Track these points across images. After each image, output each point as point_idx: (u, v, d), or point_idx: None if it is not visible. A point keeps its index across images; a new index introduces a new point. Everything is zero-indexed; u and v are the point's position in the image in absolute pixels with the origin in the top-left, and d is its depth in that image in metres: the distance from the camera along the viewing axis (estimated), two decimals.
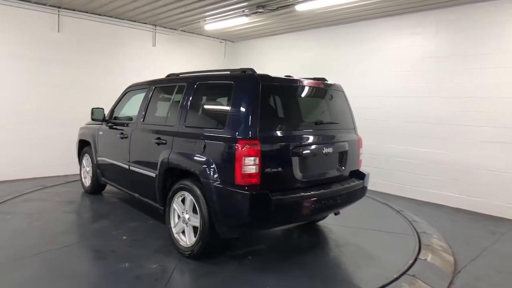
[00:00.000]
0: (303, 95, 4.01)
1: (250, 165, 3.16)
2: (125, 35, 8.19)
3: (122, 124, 5.03)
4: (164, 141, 4.02)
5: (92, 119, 5.42)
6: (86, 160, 6.01)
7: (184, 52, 9.25)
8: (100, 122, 5.48)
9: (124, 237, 4.20)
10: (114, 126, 5.18)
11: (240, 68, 3.67)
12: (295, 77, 3.89)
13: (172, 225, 3.89)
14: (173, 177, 3.96)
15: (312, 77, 4.13)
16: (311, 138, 3.72)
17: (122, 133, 4.88)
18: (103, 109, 5.41)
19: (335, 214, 4.35)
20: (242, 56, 10.04)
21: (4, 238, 4.09)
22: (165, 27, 8.78)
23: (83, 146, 6.11)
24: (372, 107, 7.07)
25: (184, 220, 3.75)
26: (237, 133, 3.27)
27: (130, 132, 4.73)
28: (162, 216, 4.17)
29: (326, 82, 4.13)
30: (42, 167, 7.20)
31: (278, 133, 3.47)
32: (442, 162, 6.21)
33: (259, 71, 3.61)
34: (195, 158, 3.57)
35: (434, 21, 6.34)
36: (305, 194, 3.42)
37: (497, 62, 5.61)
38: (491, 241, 4.59)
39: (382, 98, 6.99)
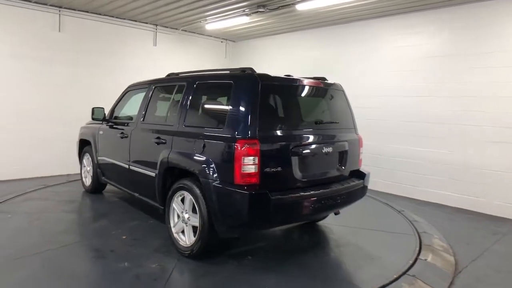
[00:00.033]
0: (302, 94, 4.00)
1: (249, 164, 3.15)
2: (126, 35, 8.19)
3: (122, 124, 5.03)
4: (163, 141, 4.02)
5: (93, 119, 5.43)
6: (87, 159, 6.02)
7: (185, 52, 9.25)
8: (101, 122, 5.48)
9: (124, 237, 4.20)
10: (114, 126, 5.18)
11: (240, 68, 3.66)
12: (295, 77, 3.88)
13: (172, 224, 3.88)
14: (172, 177, 3.95)
15: (312, 76, 4.12)
16: (310, 138, 3.71)
17: (122, 133, 4.88)
18: (103, 108, 5.41)
19: (335, 214, 4.34)
20: (243, 56, 10.03)
21: (4, 238, 4.09)
22: (166, 27, 8.78)
23: (84, 145, 6.12)
24: (372, 106, 7.05)
25: (183, 219, 3.74)
26: (236, 132, 3.26)
27: (130, 132, 4.73)
28: (162, 216, 4.17)
29: (326, 81, 4.12)
30: (44, 166, 7.22)
31: (278, 132, 3.46)
32: (443, 161, 6.19)
33: (260, 70, 3.59)
34: (195, 157, 3.56)
35: (435, 20, 6.31)
36: (305, 194, 3.41)
37: (499, 61, 5.58)
38: (492, 242, 4.57)
39: (383, 98, 6.97)
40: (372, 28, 7.19)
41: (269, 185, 3.24)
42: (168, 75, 4.70)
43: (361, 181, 4.11)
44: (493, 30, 5.65)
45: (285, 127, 3.57)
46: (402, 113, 6.71)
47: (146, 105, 4.64)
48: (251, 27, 8.45)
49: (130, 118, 5.07)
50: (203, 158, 3.46)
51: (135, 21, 8.24)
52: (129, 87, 5.38)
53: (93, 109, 5.38)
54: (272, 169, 3.29)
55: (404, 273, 3.51)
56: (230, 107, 3.44)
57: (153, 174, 4.14)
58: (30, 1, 6.83)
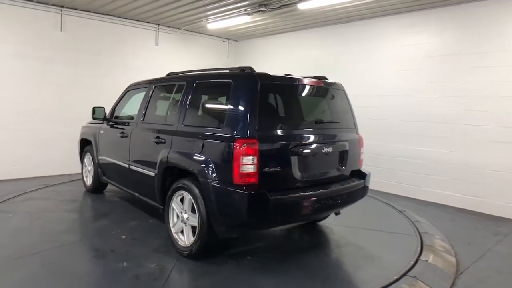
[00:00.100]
0: (302, 94, 3.98)
1: (248, 164, 3.13)
2: (127, 34, 8.19)
3: (123, 123, 5.03)
4: (163, 140, 4.01)
5: (93, 118, 5.44)
6: (88, 159, 6.03)
7: (187, 52, 9.24)
8: (101, 121, 5.48)
9: (124, 236, 4.20)
10: (114, 125, 5.18)
11: (239, 67, 3.65)
12: (295, 76, 3.86)
13: (171, 224, 3.87)
14: (172, 176, 3.94)
15: (312, 76, 4.09)
16: (310, 137, 3.69)
17: (122, 132, 4.88)
18: (104, 108, 5.42)
19: (336, 214, 4.31)
20: (245, 55, 10.01)
21: (5, 237, 4.10)
22: (168, 26, 8.78)
23: (85, 145, 6.13)
24: (374, 106, 7.02)
25: (182, 219, 3.73)
26: (235, 132, 3.24)
27: (130, 131, 4.72)
28: (162, 216, 4.16)
29: (326, 80, 4.09)
30: (45, 166, 7.24)
31: (277, 132, 3.44)
32: (445, 161, 6.15)
33: (262, 70, 3.58)
34: (194, 157, 3.55)
35: (436, 19, 6.27)
36: (304, 194, 3.39)
37: (500, 61, 5.53)
38: (494, 242, 4.53)
39: (385, 97, 6.94)
40: (374, 27, 7.15)
41: (268, 185, 3.22)
42: (168, 74, 4.69)
43: (362, 181, 4.08)
44: (495, 30, 5.60)
45: (284, 127, 3.55)
46: (403, 113, 6.68)
47: (146, 105, 4.63)
48: (253, 27, 8.43)
49: (131, 117, 5.06)
50: (202, 158, 3.45)
51: (137, 20, 8.24)
52: (129, 86, 5.38)
53: (93, 108, 5.38)
54: (271, 169, 3.27)
55: (405, 274, 3.49)
56: (229, 106, 3.42)
57: (152, 174, 4.14)
58: (32, 1, 6.85)
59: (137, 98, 4.97)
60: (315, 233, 4.65)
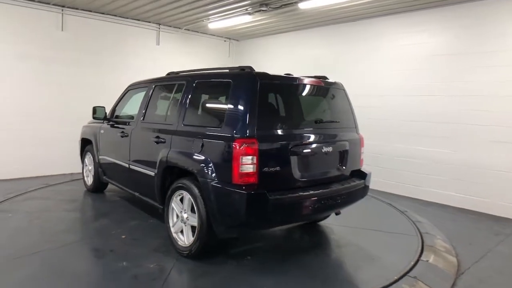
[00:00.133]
0: (302, 93, 3.97)
1: (247, 164, 3.12)
2: (128, 34, 8.19)
3: (123, 123, 5.02)
4: (163, 140, 4.00)
5: (93, 118, 5.44)
6: (88, 158, 6.03)
7: (188, 51, 9.23)
8: (102, 121, 5.48)
9: (123, 236, 4.19)
10: (115, 125, 5.18)
11: (239, 66, 3.63)
12: (295, 75, 3.84)
13: (171, 224, 3.87)
14: (172, 176, 3.93)
15: (313, 75, 4.08)
16: (310, 137, 3.67)
17: (122, 132, 4.87)
18: (104, 107, 5.42)
19: (336, 214, 4.30)
20: (247, 55, 10.00)
21: (5, 237, 4.10)
22: (169, 26, 8.78)
23: (86, 144, 6.13)
24: (375, 105, 7.00)
25: (182, 219, 3.72)
26: (234, 131, 3.23)
27: (131, 131, 4.72)
28: (162, 215, 4.14)
29: (326, 80, 4.07)
30: (47, 165, 7.25)
31: (277, 131, 3.43)
32: (446, 161, 6.12)
33: (264, 69, 3.57)
34: (193, 157, 3.54)
35: (438, 19, 6.24)
36: (304, 193, 3.37)
37: (502, 60, 5.50)
38: (496, 242, 4.50)
39: (386, 97, 6.91)
40: (375, 27, 7.13)
41: (268, 185, 3.21)
42: (168, 74, 4.69)
43: (362, 181, 4.06)
44: (497, 29, 5.57)
45: (284, 126, 3.54)
46: (404, 112, 6.65)
47: (146, 104, 4.63)
48: (254, 26, 8.42)
49: (131, 117, 5.06)
50: (202, 158, 3.44)
51: (138, 20, 8.24)
52: (129, 86, 5.38)
53: (94, 108, 5.38)
54: (271, 169, 3.26)
55: (405, 274, 3.47)
56: (229, 106, 3.41)
57: (152, 174, 4.13)
58: (33, 1, 6.86)
59: (137, 98, 4.96)
60: (316, 233, 4.63)
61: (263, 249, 4.12)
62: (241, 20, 7.65)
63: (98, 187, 5.94)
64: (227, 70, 3.79)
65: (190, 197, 3.56)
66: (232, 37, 9.95)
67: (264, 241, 4.32)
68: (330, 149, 3.73)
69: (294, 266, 3.60)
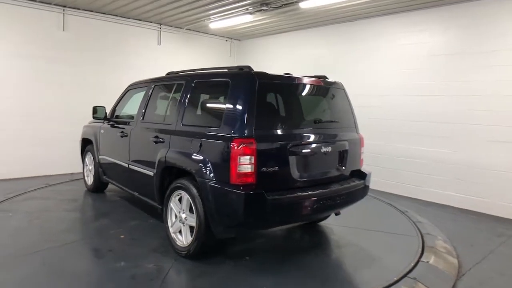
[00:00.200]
0: (301, 93, 3.95)
1: (245, 164, 3.10)
2: (130, 34, 8.20)
3: (123, 123, 5.02)
4: (162, 140, 3.99)
5: (94, 118, 5.44)
6: (89, 158, 6.03)
7: (189, 51, 9.23)
8: (102, 121, 5.48)
9: (122, 236, 4.19)
10: (115, 125, 5.18)
11: (237, 66, 3.62)
12: (294, 75, 3.82)
13: (169, 224, 3.86)
14: (171, 176, 3.93)
15: (313, 75, 4.06)
16: (309, 137, 3.65)
17: (122, 132, 4.87)
18: (104, 107, 5.42)
19: (336, 214, 4.28)
20: (248, 55, 9.99)
21: (5, 236, 4.11)
22: (170, 26, 8.78)
23: (86, 144, 6.14)
24: (375, 105, 6.97)
25: (181, 219, 3.71)
26: (232, 131, 3.22)
27: (130, 131, 4.72)
28: (161, 215, 4.13)
29: (326, 80, 4.05)
30: (48, 165, 7.26)
31: (275, 131, 3.41)
32: (447, 161, 6.08)
33: (265, 69, 3.55)
34: (191, 157, 3.53)
35: (438, 18, 6.21)
36: (302, 194, 3.35)
37: (503, 60, 5.45)
38: (497, 243, 4.46)
39: (386, 97, 6.88)
40: (375, 26, 7.10)
41: (266, 185, 3.19)
42: (168, 73, 4.68)
43: (362, 181, 4.03)
44: (498, 28, 5.53)
45: (282, 126, 3.52)
46: (405, 112, 6.62)
47: (145, 104, 4.62)
48: (255, 26, 8.41)
49: (131, 117, 5.06)
50: (200, 158, 3.43)
51: (139, 20, 8.25)
52: (129, 86, 5.38)
53: (94, 108, 5.38)
54: (269, 169, 3.24)
55: (405, 275, 3.43)
56: (227, 105, 3.39)
57: (151, 174, 4.12)
58: (35, 1, 6.88)
59: (137, 98, 4.96)
60: (315, 233, 4.61)
61: (262, 249, 4.10)
62: (242, 20, 7.64)
63: (98, 187, 5.94)
64: (226, 70, 3.78)
65: (189, 197, 3.55)
66: (234, 37, 9.94)
67: (263, 241, 4.30)
68: (329, 149, 3.71)
69: (293, 266, 3.58)
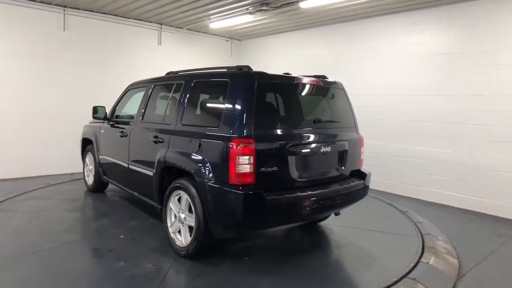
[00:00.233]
0: (301, 93, 3.94)
1: (244, 164, 3.10)
2: (130, 34, 8.20)
3: (123, 123, 5.03)
4: (161, 140, 3.99)
5: (94, 117, 5.44)
6: (89, 158, 6.04)
7: (190, 51, 9.23)
8: (102, 121, 5.48)
9: (122, 236, 4.18)
10: (115, 125, 5.18)
11: (237, 66, 3.61)
12: (294, 75, 3.81)
13: (169, 224, 3.86)
14: (170, 176, 3.92)
15: (312, 74, 4.04)
16: (308, 137, 3.64)
17: (122, 132, 4.87)
18: (104, 107, 5.43)
19: (336, 214, 4.26)
20: (249, 55, 9.98)
21: (4, 236, 4.11)
22: (171, 26, 8.78)
23: (86, 144, 6.14)
24: (377, 105, 6.95)
25: (180, 219, 3.71)
26: (231, 131, 3.21)
27: (130, 131, 4.72)
28: (161, 215, 4.13)
29: (325, 79, 4.03)
30: (49, 165, 7.27)
31: (274, 131, 3.40)
32: (448, 161, 6.05)
33: (266, 69, 3.55)
34: (191, 157, 3.52)
35: (439, 18, 6.18)
36: (302, 194, 3.34)
37: (505, 59, 5.43)
38: (498, 244, 4.44)
39: (387, 96, 6.86)
40: (376, 26, 7.08)
41: (265, 185, 3.18)
42: (167, 73, 4.67)
43: (362, 181, 4.02)
44: (498, 28, 5.51)
45: (282, 126, 3.51)
46: (406, 112, 6.60)
47: (145, 104, 4.62)
48: (255, 26, 8.40)
49: (131, 117, 5.06)
50: (199, 158, 3.42)
51: (140, 20, 8.25)
52: (129, 86, 5.38)
53: (94, 107, 5.39)
54: (268, 169, 3.23)
55: (405, 276, 3.42)
56: (226, 105, 3.39)
57: (151, 174, 4.12)
58: (35, 1, 6.88)
59: (137, 98, 4.96)
60: (315, 233, 4.60)
61: (262, 249, 4.10)
62: (242, 20, 7.63)
63: (98, 187, 5.95)
64: (225, 70, 3.77)
65: (188, 197, 3.55)
66: (234, 36, 9.93)
67: (263, 241, 4.29)
68: (329, 149, 3.70)
69: (293, 267, 3.57)
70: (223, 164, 3.18)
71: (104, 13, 7.70)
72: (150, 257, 3.66)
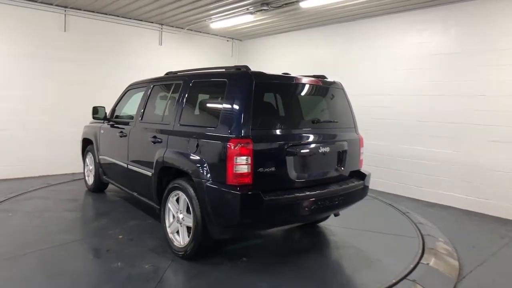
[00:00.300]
0: (299, 93, 3.92)
1: (242, 164, 3.08)
2: (131, 34, 8.21)
3: (122, 123, 5.02)
4: (159, 140, 3.98)
5: (93, 118, 5.45)
6: (89, 158, 6.04)
7: (191, 51, 9.23)
8: (102, 121, 5.49)
9: (120, 236, 4.18)
10: (114, 125, 5.18)
11: (235, 66, 3.60)
12: (292, 75, 3.79)
13: (167, 224, 3.85)
14: (169, 176, 3.91)
15: (312, 74, 4.02)
16: (307, 137, 3.62)
17: (121, 132, 4.87)
18: (104, 107, 5.43)
19: (335, 215, 4.25)
20: (250, 55, 9.97)
21: (3, 236, 4.11)
22: (172, 26, 8.78)
23: (87, 144, 6.15)
24: (377, 105, 6.92)
25: (178, 220, 3.70)
26: (229, 131, 3.19)
27: (129, 131, 4.71)
28: (160, 216, 4.12)
29: (324, 79, 4.01)
30: (49, 165, 7.29)
31: (272, 131, 3.38)
32: (451, 162, 6.00)
33: (267, 69, 3.53)
34: (188, 157, 3.51)
35: (441, 17, 6.15)
36: (300, 194, 3.32)
37: (506, 59, 5.38)
38: (500, 245, 4.39)
39: (388, 96, 6.83)
40: (377, 26, 7.05)
41: (263, 186, 3.16)
42: (167, 73, 4.67)
43: (362, 181, 3.99)
44: (499, 28, 5.46)
45: (280, 126, 3.49)
46: (406, 112, 6.56)
47: (144, 104, 4.62)
48: (256, 26, 8.38)
49: (131, 117, 5.05)
50: (197, 158, 3.41)
51: (141, 20, 8.26)
52: (129, 86, 5.38)
53: (94, 108, 5.39)
54: (266, 169, 3.21)
55: (404, 277, 3.39)
56: (224, 105, 3.37)
57: (149, 174, 4.12)
58: (36, 2, 6.90)
59: (137, 98, 4.96)
60: (315, 234, 4.57)
61: (260, 250, 4.07)
62: (243, 20, 7.62)
63: (98, 187, 5.95)
64: (223, 70, 3.75)
65: (186, 197, 3.54)
66: (235, 37, 9.92)
67: (261, 241, 4.27)
68: (327, 149, 3.67)
69: (291, 267, 3.55)
70: (220, 164, 3.17)
71: (105, 14, 7.72)
72: (148, 257, 3.65)
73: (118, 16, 7.88)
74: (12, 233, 4.20)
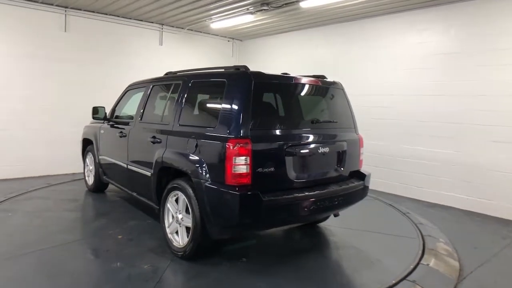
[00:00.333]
0: (299, 93, 3.91)
1: (241, 164, 3.07)
2: (131, 34, 8.22)
3: (122, 123, 5.02)
4: (159, 140, 3.98)
5: (93, 118, 5.45)
6: (89, 158, 6.05)
7: (191, 51, 9.23)
8: (102, 121, 5.49)
9: (120, 236, 4.18)
10: (114, 125, 5.18)
11: (234, 66, 3.59)
12: (292, 75, 3.78)
13: (166, 225, 3.84)
14: (168, 176, 3.90)
15: (312, 74, 4.01)
16: (306, 137, 3.61)
17: (121, 132, 4.87)
18: (104, 107, 5.43)
19: (335, 215, 4.24)
20: (250, 55, 9.96)
21: (3, 236, 4.12)
22: (172, 26, 8.78)
23: (87, 144, 6.15)
24: (377, 105, 6.90)
25: (177, 220, 3.69)
26: (228, 131, 3.19)
27: (129, 131, 4.71)
28: (159, 216, 4.12)
29: (324, 79, 4.00)
30: (49, 165, 7.29)
31: (271, 131, 3.37)
32: (452, 162, 5.98)
33: (267, 69, 3.52)
34: (187, 157, 3.51)
35: (442, 17, 6.13)
36: (299, 195, 3.31)
37: (506, 59, 5.36)
38: (501, 246, 4.37)
39: (389, 96, 6.81)
40: (377, 26, 7.04)
41: (262, 186, 3.15)
42: (166, 73, 4.66)
43: (361, 182, 3.97)
44: (499, 28, 5.44)
45: (279, 126, 3.48)
46: (406, 112, 6.54)
47: (144, 104, 4.61)
48: (256, 26, 8.38)
49: (130, 117, 5.05)
50: (196, 158, 3.41)
51: (141, 20, 8.26)
52: (129, 86, 5.38)
53: (94, 108, 5.39)
54: (265, 170, 3.20)
55: (404, 278, 3.37)
56: (223, 105, 3.37)
57: (149, 174, 4.11)
58: (37, 2, 6.91)
59: (136, 98, 4.96)
60: (315, 234, 4.56)
61: (260, 250, 4.07)
62: (243, 20, 7.62)
63: (98, 187, 5.95)
64: (222, 70, 3.75)
65: (185, 197, 3.53)
66: (235, 37, 9.92)
67: (261, 242, 4.26)
68: (327, 149, 3.66)
69: (290, 268, 3.54)
70: (219, 164, 3.16)
71: (105, 14, 7.72)
72: (148, 257, 3.65)
73: (118, 16, 7.88)
74: (12, 233, 4.21)
